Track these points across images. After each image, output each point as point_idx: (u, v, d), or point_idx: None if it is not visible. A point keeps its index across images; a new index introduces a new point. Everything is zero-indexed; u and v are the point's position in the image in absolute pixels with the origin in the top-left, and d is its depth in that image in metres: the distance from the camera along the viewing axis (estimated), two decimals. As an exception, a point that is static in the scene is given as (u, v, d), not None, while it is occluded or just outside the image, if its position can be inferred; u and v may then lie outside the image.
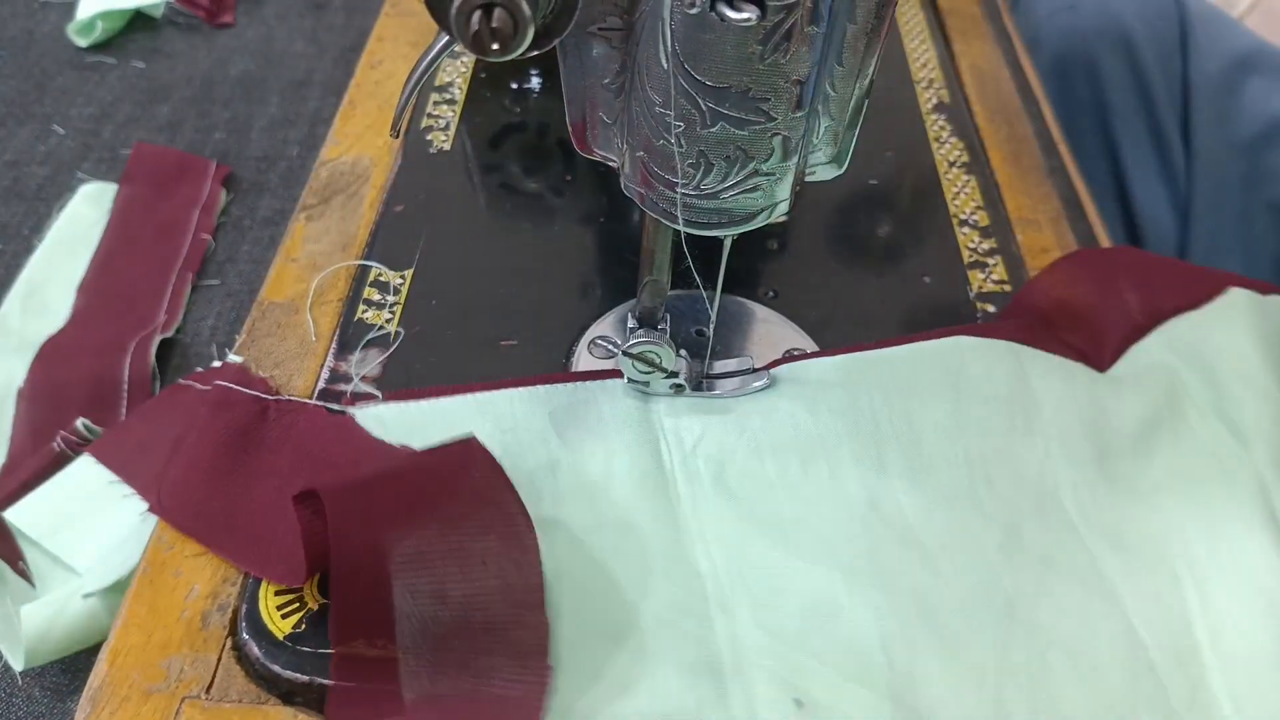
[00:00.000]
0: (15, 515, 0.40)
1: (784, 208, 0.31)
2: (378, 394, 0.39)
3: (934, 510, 0.35)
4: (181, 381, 0.44)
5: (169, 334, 0.53)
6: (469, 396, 0.38)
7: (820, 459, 0.36)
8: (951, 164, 0.51)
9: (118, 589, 0.37)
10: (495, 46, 0.23)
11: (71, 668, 0.40)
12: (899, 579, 0.33)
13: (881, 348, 0.39)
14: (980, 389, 0.37)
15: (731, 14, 0.25)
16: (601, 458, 0.36)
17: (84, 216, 0.60)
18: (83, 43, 0.74)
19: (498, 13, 0.23)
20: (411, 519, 0.30)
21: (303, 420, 0.38)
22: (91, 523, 0.39)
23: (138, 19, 0.76)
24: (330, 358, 0.41)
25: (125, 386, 0.51)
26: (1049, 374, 0.38)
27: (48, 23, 0.77)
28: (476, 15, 0.23)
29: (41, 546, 0.40)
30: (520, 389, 0.38)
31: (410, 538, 0.30)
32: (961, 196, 0.49)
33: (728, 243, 0.34)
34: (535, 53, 0.25)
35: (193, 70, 0.73)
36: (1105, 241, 0.50)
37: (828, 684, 0.31)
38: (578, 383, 0.39)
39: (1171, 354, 0.38)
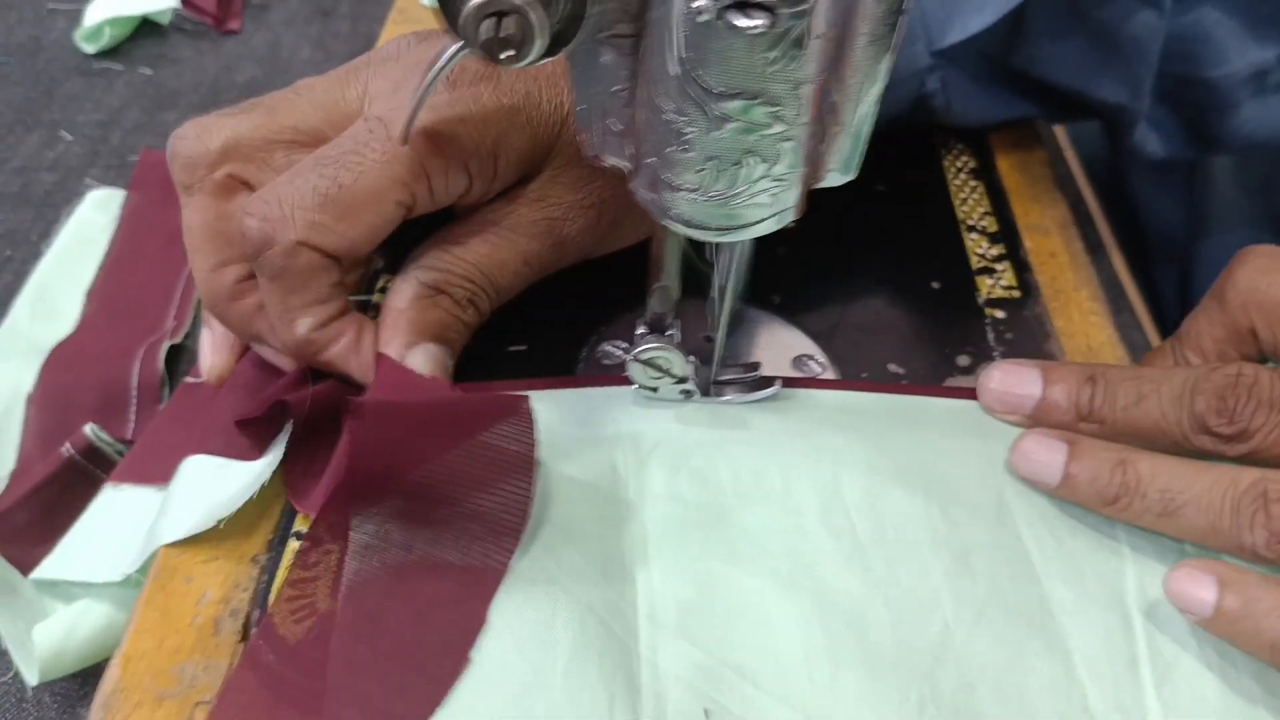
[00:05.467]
0: (46, 571, 0.39)
1: (793, 214, 0.31)
2: None
3: (885, 529, 0.35)
4: (188, 380, 0.44)
5: (177, 340, 0.53)
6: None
7: (775, 471, 0.36)
8: (959, 170, 0.52)
9: (130, 591, 0.37)
10: (507, 54, 0.23)
11: (81, 673, 0.40)
12: (836, 596, 0.33)
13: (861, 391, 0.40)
14: (943, 437, 0.38)
15: (742, 21, 0.25)
16: (565, 460, 0.37)
17: (92, 223, 0.60)
18: (90, 49, 0.74)
19: (509, 20, 0.23)
20: (428, 455, 0.32)
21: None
22: (103, 535, 0.39)
23: (145, 25, 0.77)
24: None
25: (134, 392, 0.51)
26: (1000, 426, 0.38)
27: (55, 29, 0.77)
28: (488, 23, 0.23)
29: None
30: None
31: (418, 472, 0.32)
32: (969, 202, 0.49)
33: (737, 248, 0.34)
34: (545, 60, 0.26)
35: (200, 76, 0.73)
36: (1113, 247, 0.50)
37: (742, 697, 0.31)
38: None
39: None
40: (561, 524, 0.34)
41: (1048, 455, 0.35)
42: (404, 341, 0.37)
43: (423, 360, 0.37)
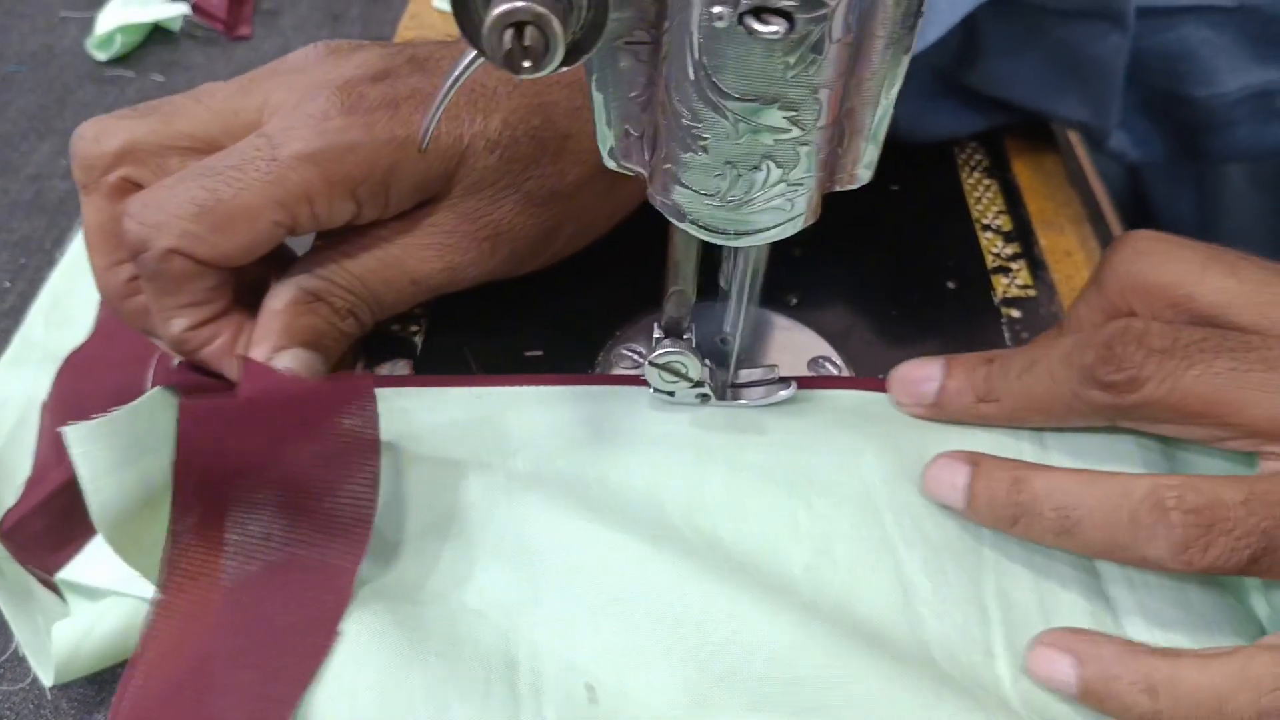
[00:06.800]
0: (73, 573, 0.40)
1: (809, 218, 0.31)
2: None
3: (747, 525, 0.35)
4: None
5: (192, 346, 0.53)
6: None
7: (641, 470, 0.36)
8: (973, 169, 0.51)
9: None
10: (527, 64, 0.23)
11: (98, 679, 0.41)
12: (704, 574, 0.33)
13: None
14: (805, 431, 0.38)
15: (759, 27, 0.25)
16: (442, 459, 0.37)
17: (106, 230, 0.60)
18: (102, 56, 0.74)
19: (529, 30, 0.23)
20: (277, 447, 0.32)
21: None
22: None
23: (156, 32, 0.77)
24: (359, 369, 0.41)
25: (148, 399, 0.51)
26: (876, 418, 0.38)
27: (67, 37, 0.77)
28: (508, 33, 0.23)
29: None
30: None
31: (261, 470, 0.32)
32: (984, 201, 0.49)
33: (753, 252, 0.34)
34: (565, 69, 0.26)
35: (211, 82, 0.73)
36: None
37: (616, 667, 0.31)
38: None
39: None
40: (424, 513, 0.35)
41: (950, 478, 0.34)
42: (274, 344, 0.37)
43: (290, 364, 0.37)
